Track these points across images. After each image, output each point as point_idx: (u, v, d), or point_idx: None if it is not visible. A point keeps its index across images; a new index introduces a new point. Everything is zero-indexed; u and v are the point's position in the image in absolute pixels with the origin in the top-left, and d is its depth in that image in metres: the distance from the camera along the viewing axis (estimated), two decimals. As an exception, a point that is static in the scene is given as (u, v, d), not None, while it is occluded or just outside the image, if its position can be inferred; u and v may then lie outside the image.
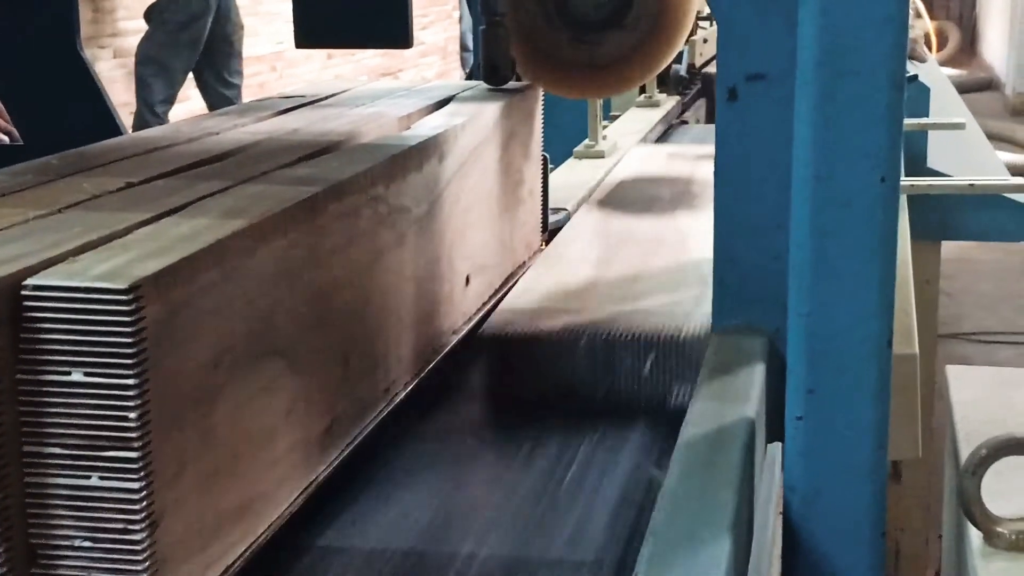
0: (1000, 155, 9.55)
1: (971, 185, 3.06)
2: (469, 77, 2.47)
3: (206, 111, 5.42)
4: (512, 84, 2.27)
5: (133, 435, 0.97)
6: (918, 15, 4.51)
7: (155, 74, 6.52)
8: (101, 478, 0.98)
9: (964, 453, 1.24)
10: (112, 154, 1.52)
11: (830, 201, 1.09)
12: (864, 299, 1.12)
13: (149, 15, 6.66)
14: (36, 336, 0.97)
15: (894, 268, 1.14)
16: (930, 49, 13.81)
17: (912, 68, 4.49)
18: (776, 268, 1.26)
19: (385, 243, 1.53)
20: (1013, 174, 10.12)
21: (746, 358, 1.35)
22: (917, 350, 3.67)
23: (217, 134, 1.68)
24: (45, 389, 0.98)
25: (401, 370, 1.59)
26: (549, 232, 2.49)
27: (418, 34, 6.45)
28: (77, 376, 0.97)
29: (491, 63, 2.24)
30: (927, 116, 4.10)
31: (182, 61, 6.62)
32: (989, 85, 12.86)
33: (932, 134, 4.07)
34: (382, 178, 1.51)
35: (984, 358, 6.44)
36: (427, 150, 1.72)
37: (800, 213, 1.10)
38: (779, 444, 1.21)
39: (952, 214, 3.97)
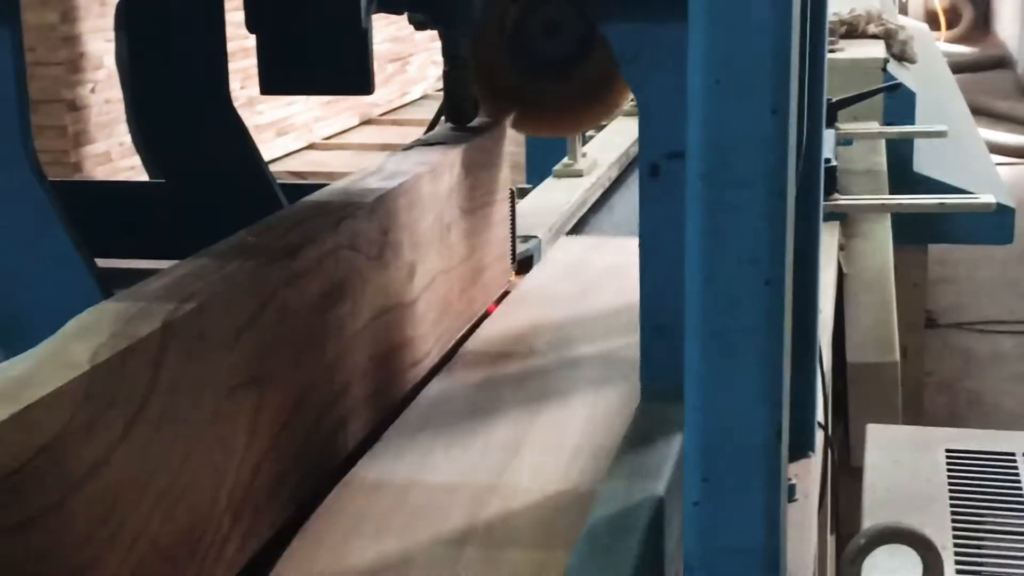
0: (1006, 136, 9.54)
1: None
2: (436, 119, 2.53)
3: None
4: (478, 122, 2.33)
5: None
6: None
7: None
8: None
9: (866, 524, 1.30)
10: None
11: (717, 302, 1.15)
12: (752, 395, 1.17)
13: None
14: None
15: (781, 364, 1.19)
16: (939, 28, 13.80)
17: (902, 70, 4.52)
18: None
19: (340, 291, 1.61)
20: (1020, 155, 10.11)
21: (667, 428, 1.41)
22: (898, 358, 3.73)
23: None
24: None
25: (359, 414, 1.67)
26: (519, 262, 2.54)
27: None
28: None
29: (455, 104, 2.30)
30: (912, 122, 4.14)
31: None
32: (1001, 63, 12.82)
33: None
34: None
35: (984, 348, 6.48)
36: (388, 198, 1.79)
37: (691, 312, 1.15)
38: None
39: (936, 219, 4.01)
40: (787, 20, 1.08)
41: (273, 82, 2.14)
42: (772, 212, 1.12)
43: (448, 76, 2.28)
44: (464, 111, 2.28)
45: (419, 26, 2.31)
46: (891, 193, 4.00)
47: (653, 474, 1.32)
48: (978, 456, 1.55)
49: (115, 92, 7.31)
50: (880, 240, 3.73)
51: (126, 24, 2.43)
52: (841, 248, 3.73)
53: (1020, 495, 1.45)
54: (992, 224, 4.07)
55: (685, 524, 1.19)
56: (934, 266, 6.60)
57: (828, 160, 2.93)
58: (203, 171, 2.46)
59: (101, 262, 2.03)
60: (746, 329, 1.15)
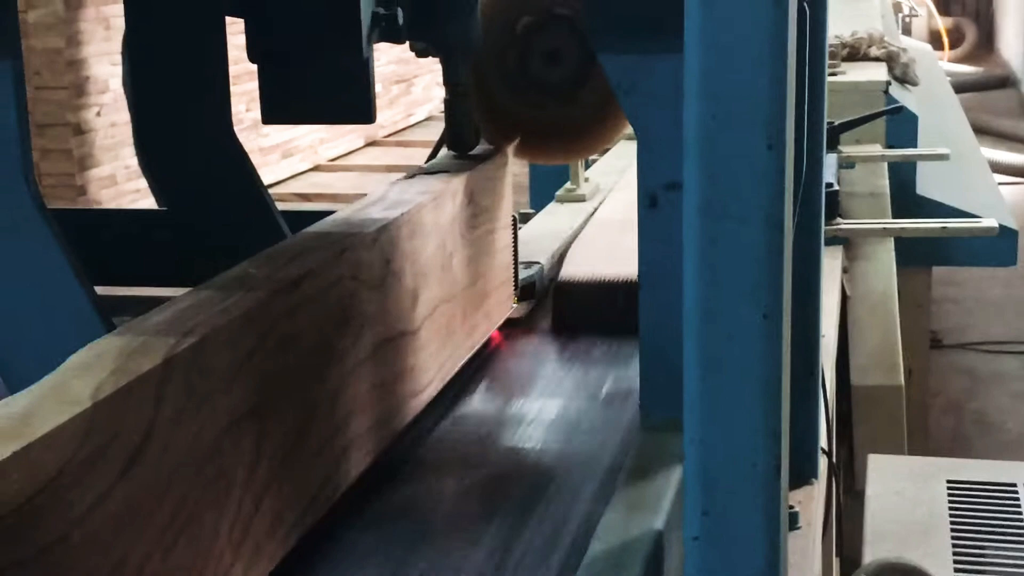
0: (1010, 156, 9.53)
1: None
2: (438, 147, 2.54)
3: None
4: (480, 149, 2.33)
5: None
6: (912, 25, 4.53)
7: None
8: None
9: (867, 556, 1.30)
10: None
11: (715, 336, 1.15)
12: (751, 428, 1.17)
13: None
14: None
15: (779, 397, 1.19)
16: (943, 47, 13.80)
17: (904, 93, 4.52)
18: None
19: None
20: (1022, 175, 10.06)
21: (667, 460, 1.41)
22: (903, 382, 3.73)
23: None
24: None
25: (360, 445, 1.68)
26: (521, 288, 2.55)
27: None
28: None
29: (456, 132, 2.30)
30: (915, 145, 4.15)
31: None
32: (1005, 82, 12.84)
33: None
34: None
35: (988, 368, 6.47)
36: (390, 227, 1.80)
37: (689, 346, 1.16)
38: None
39: (940, 242, 4.02)
40: (782, 55, 1.08)
41: (274, 111, 2.16)
42: (769, 246, 1.13)
43: (449, 104, 2.29)
44: (465, 138, 2.29)
45: (420, 53, 2.32)
46: (894, 216, 4.00)
47: (652, 507, 1.32)
48: (979, 487, 1.55)
49: (120, 115, 7.34)
50: (884, 263, 3.74)
51: (129, 49, 2.45)
52: (845, 271, 3.73)
53: (1021, 526, 1.45)
54: (995, 246, 4.07)
55: (685, 558, 1.20)
56: (939, 286, 6.60)
57: (830, 185, 2.94)
58: (203, 198, 2.47)
59: (101, 289, 2.04)
60: (744, 362, 1.15)
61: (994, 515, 1.49)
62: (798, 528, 1.97)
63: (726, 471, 1.18)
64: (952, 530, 1.45)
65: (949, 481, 1.58)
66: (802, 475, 2.15)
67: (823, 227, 2.20)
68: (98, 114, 7.68)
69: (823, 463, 2.43)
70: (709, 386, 1.16)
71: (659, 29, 1.40)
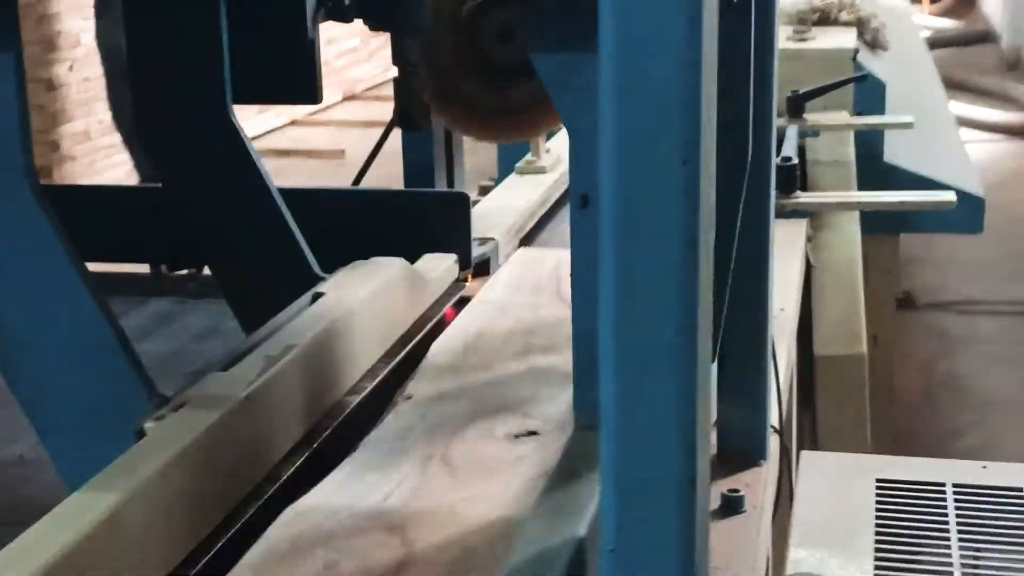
0: (988, 112, 9.51)
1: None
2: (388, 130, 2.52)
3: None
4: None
5: None
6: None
7: None
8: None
9: (792, 558, 1.30)
10: None
11: (629, 353, 1.14)
12: (666, 444, 1.17)
13: None
14: None
15: (696, 411, 1.17)
16: (922, 0, 13.74)
17: (873, 59, 4.50)
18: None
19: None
20: (1001, 132, 10.08)
21: (595, 462, 1.40)
22: (865, 350, 3.73)
23: None
24: None
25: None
26: (475, 266, 2.53)
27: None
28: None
29: (406, 112, 2.29)
30: (883, 111, 4.13)
31: None
32: (986, 37, 12.78)
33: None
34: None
35: (964, 329, 6.49)
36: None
37: (605, 361, 1.15)
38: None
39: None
40: (695, 73, 1.07)
41: (221, 92, 2.13)
42: (684, 264, 1.12)
43: (398, 83, 2.27)
44: (415, 119, 2.27)
45: (374, 27, 2.29)
46: (860, 184, 3.99)
47: (576, 512, 1.31)
48: (908, 487, 1.55)
49: (93, 70, 7.27)
50: (848, 232, 3.73)
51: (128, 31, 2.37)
52: (809, 240, 3.72)
53: (945, 527, 1.44)
54: (962, 214, 4.06)
55: (600, 571, 1.19)
56: (913, 246, 6.60)
57: (789, 159, 2.92)
58: (200, 177, 2.42)
59: (92, 266, 2.00)
60: (658, 379, 1.15)
61: (920, 516, 1.49)
62: (743, 512, 1.96)
63: (641, 486, 1.17)
64: (877, 533, 1.45)
65: (879, 480, 1.58)
66: (750, 456, 2.15)
67: (772, 204, 2.18)
68: (70, 69, 7.62)
69: (775, 442, 2.43)
70: (624, 401, 1.15)
71: (590, 29, 1.38)
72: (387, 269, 2.15)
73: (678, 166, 1.10)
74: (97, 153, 7.94)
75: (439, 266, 2.38)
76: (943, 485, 1.51)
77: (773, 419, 2.48)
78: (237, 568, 1.38)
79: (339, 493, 1.52)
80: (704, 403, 1.18)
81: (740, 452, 2.16)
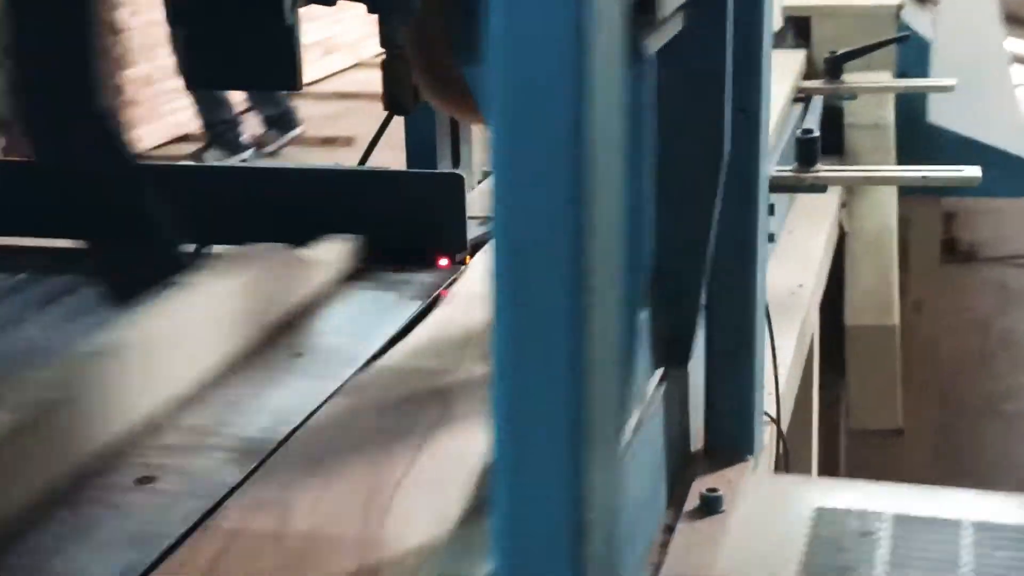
0: None
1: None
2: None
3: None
4: None
5: None
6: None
7: None
8: None
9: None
10: None
11: (518, 390, 1.11)
12: (550, 490, 1.13)
13: None
14: None
15: (583, 456, 1.13)
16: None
17: (920, 15, 4.38)
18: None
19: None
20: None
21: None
22: (896, 321, 3.65)
23: None
24: None
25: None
26: (472, 246, 2.50)
27: None
28: None
29: (393, 95, 2.25)
30: (927, 71, 4.02)
31: None
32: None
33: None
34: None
35: (1021, 283, 6.36)
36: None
37: (497, 400, 1.11)
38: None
39: (949, 170, 3.90)
40: (582, 109, 1.02)
41: (197, 76, 2.11)
42: (572, 306, 1.07)
43: (386, 65, 2.23)
44: (403, 102, 2.24)
45: (371, 10, 2.25)
46: (900, 146, 3.90)
47: (481, 552, 1.27)
48: (845, 516, 1.48)
49: (157, 14, 7.28)
50: (883, 199, 3.64)
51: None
52: (843, 206, 3.64)
53: (872, 563, 1.38)
54: (1006, 174, 3.95)
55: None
56: (973, 198, 6.45)
57: (810, 131, 2.84)
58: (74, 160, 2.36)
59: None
60: (545, 422, 1.11)
61: (852, 547, 1.43)
62: (721, 512, 1.92)
63: (529, 532, 1.14)
64: (805, 565, 1.39)
65: (817, 508, 1.52)
66: (736, 451, 2.10)
67: (764, 184, 2.13)
68: (133, 13, 7.64)
69: (771, 431, 2.38)
70: (514, 441, 1.12)
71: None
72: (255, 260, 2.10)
73: (562, 204, 1.05)
74: (161, 97, 7.97)
75: (331, 251, 2.31)
76: (880, 515, 1.44)
77: (770, 407, 2.43)
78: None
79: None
80: (603, 443, 1.14)
81: (727, 447, 2.12)
